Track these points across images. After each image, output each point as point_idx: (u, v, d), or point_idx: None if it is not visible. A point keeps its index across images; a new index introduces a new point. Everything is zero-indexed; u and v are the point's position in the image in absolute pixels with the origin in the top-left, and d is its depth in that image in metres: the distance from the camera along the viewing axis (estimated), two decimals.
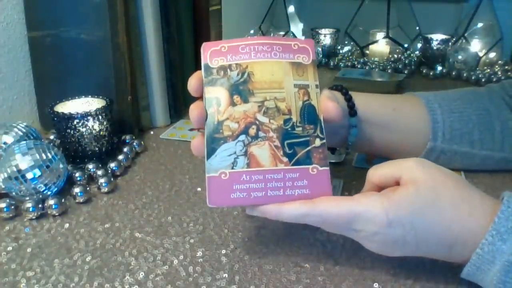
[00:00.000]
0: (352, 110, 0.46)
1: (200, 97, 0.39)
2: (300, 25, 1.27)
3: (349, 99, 0.47)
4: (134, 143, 0.63)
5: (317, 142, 0.37)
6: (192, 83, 0.39)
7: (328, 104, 0.39)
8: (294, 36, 1.21)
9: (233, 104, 0.37)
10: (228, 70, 0.38)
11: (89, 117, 0.55)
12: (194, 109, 0.38)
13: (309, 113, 0.38)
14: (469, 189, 0.35)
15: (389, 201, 0.34)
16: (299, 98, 0.38)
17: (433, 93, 0.54)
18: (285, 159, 0.36)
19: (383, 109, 0.50)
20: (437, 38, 1.11)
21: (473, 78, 0.99)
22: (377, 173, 0.37)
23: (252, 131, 0.37)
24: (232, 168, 0.36)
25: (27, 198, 0.47)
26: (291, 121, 0.37)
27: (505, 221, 0.32)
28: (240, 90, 0.38)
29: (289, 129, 0.37)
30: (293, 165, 0.36)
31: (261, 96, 0.38)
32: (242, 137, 0.37)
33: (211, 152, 0.36)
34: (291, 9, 1.24)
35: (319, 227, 0.37)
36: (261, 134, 0.37)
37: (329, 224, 0.36)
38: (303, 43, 0.40)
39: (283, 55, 0.39)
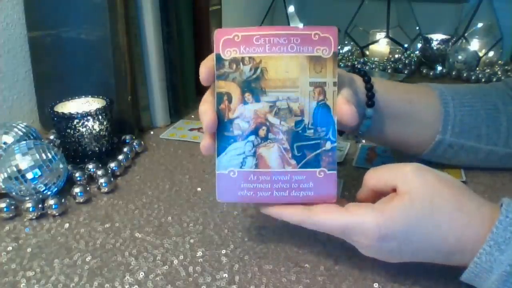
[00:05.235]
0: (370, 100, 0.44)
1: (208, 87, 0.38)
2: (300, 25, 1.27)
3: (369, 89, 0.44)
4: (134, 143, 0.63)
5: (328, 145, 0.36)
6: (203, 73, 0.37)
7: (343, 108, 0.36)
8: None
9: (244, 102, 0.37)
10: (241, 64, 0.37)
11: (89, 117, 0.55)
12: (205, 112, 0.36)
13: (322, 115, 0.36)
14: (467, 197, 0.34)
15: (382, 215, 0.33)
16: (314, 98, 0.36)
17: (445, 86, 0.53)
18: (293, 162, 0.36)
19: (401, 102, 0.49)
20: (437, 38, 1.11)
21: (473, 78, 0.99)
22: (373, 178, 0.37)
23: (262, 132, 0.37)
24: (241, 167, 0.37)
25: (27, 198, 0.47)
26: (302, 123, 0.37)
27: (503, 231, 0.31)
28: (252, 87, 0.37)
29: (300, 131, 0.37)
30: (301, 167, 0.36)
31: (273, 95, 0.37)
32: (252, 137, 0.37)
33: (221, 150, 0.37)
34: (291, 9, 1.24)
35: None
36: (271, 136, 0.37)
37: (325, 232, 0.36)
38: (324, 32, 0.36)
39: (301, 48, 0.36)
